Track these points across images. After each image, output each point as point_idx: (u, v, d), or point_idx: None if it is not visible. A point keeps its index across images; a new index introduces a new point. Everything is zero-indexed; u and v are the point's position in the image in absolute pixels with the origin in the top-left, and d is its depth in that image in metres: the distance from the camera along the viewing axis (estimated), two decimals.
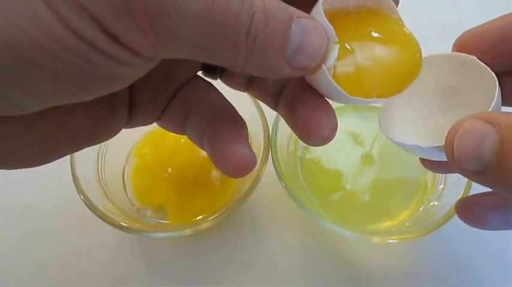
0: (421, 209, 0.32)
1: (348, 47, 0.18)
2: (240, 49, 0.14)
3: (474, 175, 0.16)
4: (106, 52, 0.13)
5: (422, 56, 0.18)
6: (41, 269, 0.32)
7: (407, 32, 0.19)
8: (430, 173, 0.33)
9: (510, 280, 0.32)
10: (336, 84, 0.17)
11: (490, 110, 0.18)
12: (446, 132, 0.17)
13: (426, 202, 0.32)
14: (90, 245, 0.33)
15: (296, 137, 0.34)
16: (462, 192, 0.28)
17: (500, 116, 0.15)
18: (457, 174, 0.17)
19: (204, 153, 0.33)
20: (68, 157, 0.23)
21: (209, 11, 0.13)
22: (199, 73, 0.21)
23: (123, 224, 0.28)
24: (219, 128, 0.20)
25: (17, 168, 0.18)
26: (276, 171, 0.29)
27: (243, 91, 0.21)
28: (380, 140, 0.33)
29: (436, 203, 0.31)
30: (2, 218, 0.34)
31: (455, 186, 0.29)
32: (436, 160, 0.20)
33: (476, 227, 0.23)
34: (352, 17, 0.19)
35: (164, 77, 0.20)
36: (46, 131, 0.17)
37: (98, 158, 0.31)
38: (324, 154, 0.34)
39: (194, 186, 0.33)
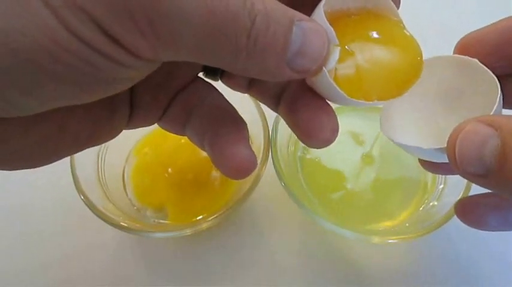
0: (421, 209, 0.32)
1: (349, 49, 0.18)
2: (241, 52, 0.14)
3: (476, 177, 0.16)
4: (107, 54, 0.13)
5: (423, 58, 0.18)
6: (41, 269, 0.32)
7: (408, 34, 0.18)
8: (430, 173, 0.33)
9: (510, 280, 0.32)
10: (337, 87, 0.17)
11: (491, 113, 0.18)
12: (448, 134, 0.17)
13: (426, 202, 0.32)
14: (90, 245, 0.33)
15: (296, 137, 0.34)
16: (462, 192, 0.28)
17: (502, 119, 0.15)
18: (457, 175, 0.17)
19: (204, 153, 0.33)
20: (68, 157, 0.23)
21: (210, 13, 0.13)
22: (200, 74, 0.21)
23: (123, 224, 0.28)
24: (220, 129, 0.20)
25: (17, 169, 0.18)
26: (276, 171, 0.29)
27: (244, 92, 0.21)
28: (380, 140, 0.33)
29: (436, 203, 0.31)
30: (2, 218, 0.34)
31: (455, 186, 0.29)
32: (437, 161, 0.20)
33: (475, 227, 0.23)
34: (353, 19, 0.19)
35: (165, 78, 0.20)
36: (46, 132, 0.17)
37: (98, 158, 0.31)
38: (324, 154, 0.34)
39: (194, 186, 0.33)
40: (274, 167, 0.29)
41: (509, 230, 0.23)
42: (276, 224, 0.34)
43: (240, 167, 0.19)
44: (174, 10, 0.13)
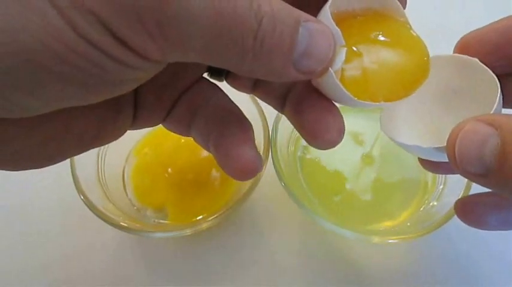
0: (421, 209, 0.32)
1: (355, 50, 0.18)
2: (247, 53, 0.14)
3: (476, 177, 0.16)
4: (114, 56, 0.13)
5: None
6: (41, 270, 0.32)
7: (415, 35, 0.18)
8: (430, 173, 0.33)
9: (510, 280, 0.32)
10: (343, 88, 0.17)
11: (491, 112, 0.18)
12: (447, 133, 0.17)
13: (426, 202, 0.32)
14: (90, 245, 0.33)
15: (296, 137, 0.35)
16: (462, 192, 0.28)
17: (502, 118, 0.15)
18: (457, 174, 0.17)
19: (204, 153, 0.33)
20: None
21: (217, 15, 0.13)
22: (205, 75, 0.21)
23: (123, 224, 0.28)
24: (225, 130, 0.20)
25: (21, 169, 0.18)
26: (276, 171, 0.29)
27: (249, 93, 0.21)
28: (380, 141, 0.33)
29: (436, 203, 0.31)
30: (2, 218, 0.34)
31: (455, 186, 0.29)
32: (436, 160, 0.20)
33: (475, 227, 0.23)
34: (358, 20, 0.18)
35: (170, 79, 0.20)
36: (51, 133, 0.17)
37: (98, 158, 0.31)
38: (324, 154, 0.34)
39: (194, 186, 0.33)
40: (274, 167, 0.29)
41: (509, 229, 0.23)
42: (276, 224, 0.34)
43: (246, 169, 0.19)
44: (182, 12, 0.13)
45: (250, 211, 0.34)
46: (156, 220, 0.32)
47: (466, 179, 0.29)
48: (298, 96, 0.19)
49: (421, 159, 0.23)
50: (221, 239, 0.33)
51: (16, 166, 0.18)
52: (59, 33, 0.12)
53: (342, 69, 0.17)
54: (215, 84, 0.21)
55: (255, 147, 0.20)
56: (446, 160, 0.17)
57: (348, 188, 0.33)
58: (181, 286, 0.31)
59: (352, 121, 0.36)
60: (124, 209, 0.30)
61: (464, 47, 0.20)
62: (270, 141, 0.30)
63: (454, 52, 0.21)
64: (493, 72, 0.19)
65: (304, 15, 0.15)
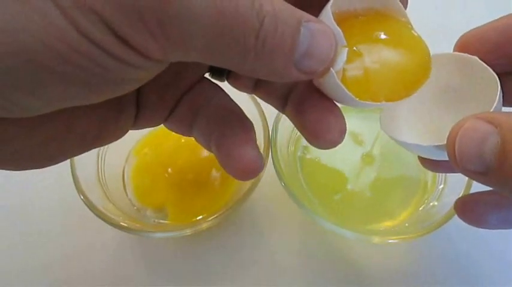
0: (421, 209, 0.32)
1: (357, 50, 0.18)
2: (249, 53, 0.14)
3: (476, 175, 0.16)
4: (116, 55, 0.13)
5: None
6: (41, 270, 0.32)
7: (416, 35, 0.18)
8: (430, 173, 0.33)
9: (510, 280, 0.32)
10: (344, 88, 0.17)
11: (491, 110, 0.18)
12: (447, 131, 0.17)
13: (426, 202, 0.32)
14: (90, 245, 0.33)
15: (296, 137, 0.35)
16: (462, 192, 0.28)
17: (502, 116, 0.15)
18: (457, 174, 0.17)
19: (204, 153, 0.33)
20: None
21: (219, 14, 0.13)
22: (207, 75, 0.21)
23: (123, 224, 0.28)
24: (227, 130, 0.20)
25: (22, 169, 0.18)
26: (276, 171, 0.29)
27: (250, 93, 0.21)
28: (380, 140, 0.33)
29: (436, 203, 0.31)
30: (2, 218, 0.34)
31: (456, 186, 0.29)
32: (437, 159, 0.20)
33: (475, 226, 0.23)
34: (360, 20, 0.18)
35: (172, 79, 0.20)
36: (52, 132, 0.17)
37: (98, 158, 0.31)
38: (324, 153, 0.34)
39: (194, 186, 0.33)
40: (274, 167, 0.29)
41: (509, 228, 0.23)
42: (276, 224, 0.34)
43: (247, 169, 0.19)
44: (184, 11, 0.13)
45: (250, 211, 0.34)
46: (156, 220, 0.32)
47: (466, 179, 0.29)
48: (300, 97, 0.19)
49: (421, 158, 0.23)
50: (221, 239, 0.33)
51: (17, 165, 0.18)
52: (61, 33, 0.12)
53: (344, 70, 0.17)
54: (216, 85, 0.21)
55: (257, 147, 0.20)
56: (447, 158, 0.17)
57: (348, 188, 0.33)
58: (181, 286, 0.31)
59: (352, 121, 0.36)
60: (124, 209, 0.30)
61: (464, 45, 0.20)
62: (270, 142, 0.30)
63: (454, 50, 0.21)
64: (494, 70, 0.19)
65: (305, 15, 0.15)
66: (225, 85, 0.21)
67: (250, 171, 0.19)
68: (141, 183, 0.34)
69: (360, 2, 0.18)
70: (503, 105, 0.19)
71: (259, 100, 0.25)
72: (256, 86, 0.21)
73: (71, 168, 0.29)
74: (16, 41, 0.12)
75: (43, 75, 0.13)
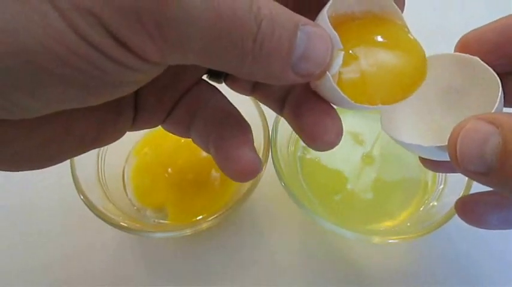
0: (421, 209, 0.32)
1: (353, 53, 0.18)
2: (247, 56, 0.14)
3: (477, 175, 0.16)
4: (115, 58, 0.13)
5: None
6: (42, 269, 0.32)
7: (412, 38, 0.18)
8: (430, 173, 0.33)
9: (510, 279, 0.32)
10: (340, 91, 0.17)
11: (493, 111, 0.18)
12: (448, 132, 0.17)
13: (426, 202, 0.32)
14: (90, 245, 0.33)
15: (296, 137, 0.35)
16: (462, 192, 0.28)
17: (503, 117, 0.15)
18: (457, 174, 0.17)
19: (204, 153, 0.33)
20: None
21: (217, 17, 0.13)
22: (204, 77, 0.21)
23: (123, 224, 0.28)
24: (225, 132, 0.20)
25: (21, 170, 0.18)
26: (276, 171, 0.29)
27: (248, 95, 0.21)
28: (381, 141, 0.33)
29: (436, 203, 0.31)
30: (2, 218, 0.34)
31: (456, 186, 0.29)
32: (438, 159, 0.20)
33: (475, 226, 0.23)
34: (357, 23, 0.19)
35: (170, 81, 0.20)
36: (51, 134, 0.17)
37: (98, 158, 0.31)
38: (324, 154, 0.34)
39: (194, 186, 0.33)
40: (274, 167, 0.29)
41: (509, 228, 0.23)
42: (276, 224, 0.34)
43: (245, 170, 0.19)
44: (182, 13, 0.13)
45: (250, 211, 0.34)
46: (156, 220, 0.32)
47: (466, 179, 0.29)
48: (297, 99, 0.19)
49: (422, 158, 0.23)
50: (221, 239, 0.33)
51: (16, 166, 0.18)
52: (60, 35, 0.12)
53: (340, 73, 0.17)
54: (214, 87, 0.22)
55: (255, 149, 0.20)
56: (448, 159, 0.17)
57: (348, 188, 0.33)
58: (181, 286, 0.31)
59: (352, 121, 0.36)
60: (124, 209, 0.30)
61: (465, 46, 0.20)
62: (270, 142, 0.30)
63: (455, 51, 0.21)
64: (494, 70, 0.19)
65: (303, 19, 0.15)
66: (223, 86, 0.21)
67: (248, 173, 0.19)
68: (141, 183, 0.34)
69: (358, 5, 0.18)
70: (505, 105, 0.19)
71: None
72: (254, 89, 0.21)
73: (71, 168, 0.29)
74: (16, 42, 0.12)
75: (42, 76, 0.13)
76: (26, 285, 0.32)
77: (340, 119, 0.18)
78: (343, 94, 0.17)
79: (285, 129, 0.31)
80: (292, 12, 0.15)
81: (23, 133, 0.16)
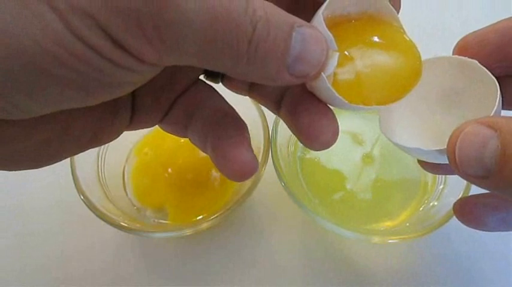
0: (421, 209, 0.32)
1: (348, 54, 0.18)
2: (242, 57, 0.15)
3: (476, 179, 0.16)
4: (112, 60, 0.14)
5: (423, 58, 0.18)
6: (41, 270, 0.32)
7: (408, 39, 0.19)
8: (430, 173, 0.33)
9: (510, 280, 0.32)
10: (335, 92, 0.17)
11: (491, 114, 0.18)
12: (447, 134, 0.17)
13: (426, 202, 0.32)
14: (90, 245, 0.33)
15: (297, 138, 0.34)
16: (462, 192, 0.28)
17: (502, 121, 0.15)
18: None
19: (203, 153, 0.33)
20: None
21: (213, 20, 0.13)
22: (201, 77, 0.21)
23: (123, 224, 0.28)
24: (222, 132, 0.20)
25: (20, 169, 0.18)
26: (276, 171, 0.29)
27: (245, 95, 0.21)
28: (381, 141, 0.34)
29: (436, 203, 0.31)
30: (2, 218, 0.34)
31: (455, 186, 0.29)
32: (437, 162, 0.20)
33: (474, 228, 0.23)
34: (353, 24, 0.19)
35: (167, 81, 0.20)
36: (50, 134, 0.17)
37: (98, 158, 0.31)
38: (324, 154, 0.34)
39: (194, 186, 0.33)
40: (274, 167, 0.29)
41: (507, 230, 0.23)
42: (276, 224, 0.34)
43: (242, 170, 0.19)
44: (179, 16, 0.13)
45: (250, 211, 0.34)
46: (156, 220, 0.32)
47: (467, 181, 0.29)
48: (293, 100, 0.20)
49: (421, 160, 0.23)
50: (221, 239, 0.33)
51: (15, 165, 0.18)
52: (58, 37, 0.13)
53: (335, 74, 0.17)
54: (211, 87, 0.22)
55: (251, 148, 0.20)
56: (446, 162, 0.17)
57: (348, 188, 0.33)
58: (181, 286, 0.31)
59: (353, 121, 0.36)
60: (124, 209, 0.30)
61: (464, 48, 0.20)
62: (270, 142, 0.30)
63: (454, 53, 0.21)
64: (493, 73, 0.19)
65: (298, 20, 0.15)
66: (220, 86, 0.21)
67: (246, 172, 0.19)
68: (141, 183, 0.34)
69: (354, 7, 0.19)
70: (505, 108, 0.19)
71: None
72: (251, 89, 0.21)
73: (71, 168, 0.29)
74: (14, 43, 0.12)
75: (40, 77, 0.13)
76: (26, 285, 0.32)
77: (336, 119, 0.19)
78: (337, 95, 0.17)
79: (285, 129, 0.31)
80: (288, 13, 0.15)
81: (22, 133, 0.16)
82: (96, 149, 0.31)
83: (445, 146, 0.17)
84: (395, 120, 0.22)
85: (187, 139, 0.22)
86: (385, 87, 0.18)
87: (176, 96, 0.21)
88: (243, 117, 0.21)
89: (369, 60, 0.18)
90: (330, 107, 0.19)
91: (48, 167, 0.19)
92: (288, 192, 0.28)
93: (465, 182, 0.29)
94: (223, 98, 0.22)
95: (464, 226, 0.23)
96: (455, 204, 0.24)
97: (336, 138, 0.18)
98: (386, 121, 0.22)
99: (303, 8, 0.18)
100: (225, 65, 0.15)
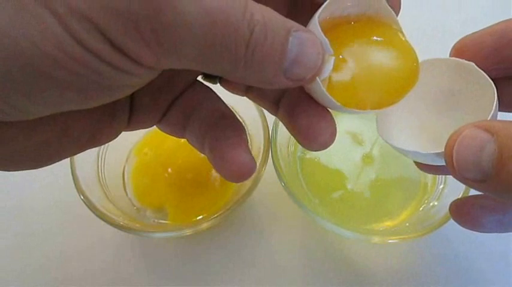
0: (421, 209, 0.32)
1: (345, 58, 0.18)
2: (239, 61, 0.15)
3: (474, 183, 0.16)
4: (111, 63, 0.14)
5: (420, 60, 0.19)
6: (41, 270, 0.32)
7: (406, 42, 0.19)
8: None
9: (510, 280, 0.32)
10: (329, 96, 0.17)
11: (488, 118, 0.18)
12: (444, 136, 0.17)
13: (426, 202, 0.32)
14: (90, 245, 0.33)
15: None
16: (462, 192, 0.28)
17: (499, 124, 0.15)
18: None
19: None
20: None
21: (211, 24, 0.14)
22: (199, 78, 0.21)
23: (123, 224, 0.28)
24: (219, 133, 0.20)
25: (19, 169, 0.18)
26: (276, 171, 0.29)
27: (242, 96, 0.21)
28: (380, 141, 0.33)
29: (436, 203, 0.31)
30: (2, 219, 0.34)
31: (456, 186, 0.29)
32: (434, 164, 0.20)
33: (470, 229, 0.23)
34: (352, 26, 0.19)
35: (165, 83, 0.21)
36: (49, 135, 0.17)
37: (98, 158, 0.31)
38: (324, 154, 0.34)
39: (194, 186, 0.33)
40: (274, 167, 0.29)
41: (504, 232, 0.23)
42: (276, 224, 0.34)
43: (240, 171, 0.19)
44: (177, 20, 0.13)
45: (250, 211, 0.34)
46: (156, 220, 0.32)
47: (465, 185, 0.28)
48: (291, 101, 0.20)
49: (418, 162, 0.23)
50: (221, 239, 0.33)
51: (15, 166, 0.18)
52: (57, 40, 0.13)
53: (330, 77, 0.18)
54: (209, 88, 0.22)
55: (249, 150, 0.20)
56: (443, 164, 0.17)
57: (348, 188, 0.33)
58: (181, 286, 0.31)
59: (352, 121, 0.36)
60: (124, 209, 0.31)
61: (461, 50, 0.20)
62: (270, 142, 0.30)
63: (451, 55, 0.20)
64: (490, 75, 0.19)
65: (295, 25, 0.16)
66: (218, 86, 0.21)
67: (243, 174, 0.20)
68: (141, 183, 0.34)
69: (353, 8, 0.19)
70: (503, 110, 0.19)
71: None
72: (248, 89, 0.21)
73: (71, 168, 0.29)
74: (13, 46, 0.12)
75: (40, 80, 0.13)
76: (26, 285, 0.32)
77: (334, 120, 0.19)
78: (332, 99, 0.17)
79: (285, 129, 0.31)
80: (285, 18, 0.15)
81: (22, 133, 0.16)
82: (96, 149, 0.31)
83: (443, 149, 0.17)
84: (393, 123, 0.22)
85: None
86: (381, 92, 0.18)
87: (174, 97, 0.21)
88: (243, 117, 0.21)
89: (365, 64, 0.18)
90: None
91: (47, 167, 0.19)
92: (288, 192, 0.28)
93: None
94: (220, 99, 0.22)
95: None
96: (451, 205, 0.24)
97: (334, 139, 0.19)
98: (383, 123, 0.22)
99: (301, 11, 0.18)
100: (223, 68, 0.15)
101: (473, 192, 0.27)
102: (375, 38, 0.19)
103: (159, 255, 0.33)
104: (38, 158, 0.18)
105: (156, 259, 0.32)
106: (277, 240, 0.33)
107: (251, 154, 0.20)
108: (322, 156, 0.34)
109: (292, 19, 0.16)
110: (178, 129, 0.21)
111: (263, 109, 0.30)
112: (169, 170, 0.34)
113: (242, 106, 0.22)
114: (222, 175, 0.20)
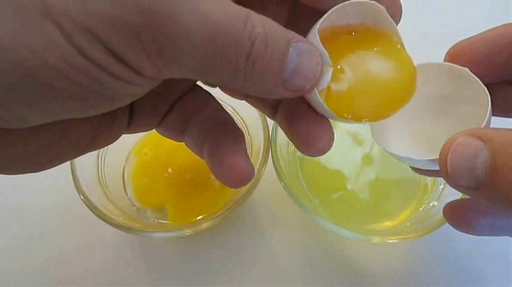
0: (421, 209, 0.32)
1: (344, 69, 0.18)
2: (239, 72, 0.15)
3: (468, 190, 0.16)
4: (113, 73, 0.14)
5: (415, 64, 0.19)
6: (41, 270, 0.32)
7: (405, 55, 0.19)
8: None
9: (510, 280, 0.32)
10: (326, 107, 0.17)
11: (482, 125, 0.18)
12: (438, 142, 0.17)
13: (426, 202, 0.32)
14: (90, 245, 0.33)
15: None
16: (462, 193, 0.28)
17: (492, 132, 0.16)
18: None
19: None
20: None
21: (212, 35, 0.14)
22: (199, 82, 0.21)
23: (123, 224, 0.28)
24: (219, 139, 0.20)
25: (20, 173, 0.18)
26: (276, 171, 0.29)
27: (241, 99, 0.21)
28: None
29: (436, 203, 0.31)
30: (2, 219, 0.34)
31: None
32: (428, 169, 0.20)
33: (464, 231, 0.23)
34: (352, 37, 0.19)
35: (164, 86, 0.21)
36: (48, 139, 0.17)
37: (98, 158, 0.31)
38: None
39: (194, 186, 0.33)
40: (274, 167, 0.29)
41: (496, 235, 0.23)
42: (276, 224, 0.34)
43: (239, 178, 0.20)
44: (178, 32, 0.13)
45: (250, 211, 0.34)
46: (156, 220, 0.32)
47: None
48: (290, 107, 0.20)
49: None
50: (221, 239, 0.33)
51: (15, 169, 0.18)
52: (60, 51, 0.13)
53: (328, 87, 0.18)
54: (208, 93, 0.22)
55: (248, 156, 0.20)
56: (438, 168, 0.17)
57: (348, 188, 0.33)
58: (181, 286, 0.31)
59: None
60: (124, 209, 0.31)
61: (456, 55, 0.20)
62: (270, 142, 0.30)
63: (445, 60, 0.20)
64: (484, 80, 0.19)
65: (296, 36, 0.16)
66: (219, 89, 0.21)
67: (242, 180, 0.20)
68: (141, 183, 0.34)
69: (353, 18, 0.19)
70: (496, 114, 0.19)
71: None
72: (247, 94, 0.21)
73: (71, 168, 0.29)
74: (16, 56, 0.13)
75: (42, 90, 0.13)
76: (26, 285, 0.32)
77: (331, 126, 0.19)
78: (329, 110, 0.17)
79: None
80: (286, 29, 0.16)
81: (22, 138, 0.17)
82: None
83: (437, 156, 0.17)
84: (386, 128, 0.22)
85: None
86: (377, 104, 0.19)
87: (173, 101, 0.21)
88: (243, 117, 0.21)
89: (362, 76, 0.18)
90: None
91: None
92: (288, 192, 0.28)
93: None
94: (220, 104, 0.22)
95: None
96: (445, 207, 0.24)
97: (332, 145, 0.19)
98: (377, 129, 0.22)
99: (301, 17, 0.19)
100: (223, 79, 0.15)
101: None
102: (373, 49, 0.19)
103: (159, 255, 0.33)
104: (38, 162, 0.18)
105: (156, 259, 0.32)
106: (277, 240, 0.33)
107: (249, 160, 0.20)
108: (322, 156, 0.34)
109: (292, 26, 0.16)
110: (177, 133, 0.22)
111: None
112: (169, 170, 0.34)
113: (242, 106, 0.22)
114: (221, 180, 0.20)
